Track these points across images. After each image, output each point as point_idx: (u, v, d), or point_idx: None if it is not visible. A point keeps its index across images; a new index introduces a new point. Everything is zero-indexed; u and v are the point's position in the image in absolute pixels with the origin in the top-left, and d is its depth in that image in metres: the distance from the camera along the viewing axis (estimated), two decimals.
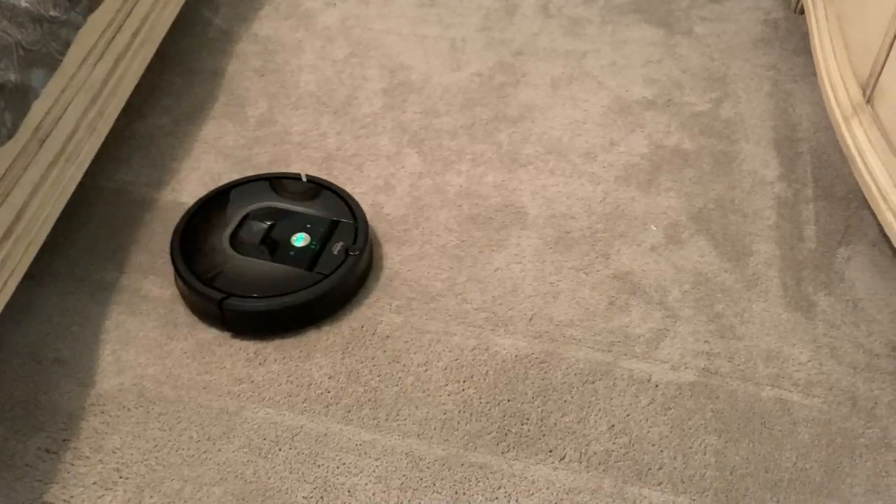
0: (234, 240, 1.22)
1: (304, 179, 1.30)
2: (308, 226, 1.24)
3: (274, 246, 1.21)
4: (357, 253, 1.20)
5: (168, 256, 1.26)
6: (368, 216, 1.33)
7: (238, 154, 1.43)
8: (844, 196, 1.36)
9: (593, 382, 1.12)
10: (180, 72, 1.59)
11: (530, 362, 1.14)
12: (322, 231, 1.23)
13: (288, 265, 1.19)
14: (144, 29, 1.41)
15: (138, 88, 1.44)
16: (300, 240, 1.21)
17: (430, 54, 1.64)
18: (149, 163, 1.42)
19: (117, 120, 1.34)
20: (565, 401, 1.10)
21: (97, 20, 1.24)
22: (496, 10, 1.75)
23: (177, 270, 1.19)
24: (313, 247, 1.21)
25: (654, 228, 1.30)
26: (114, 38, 1.32)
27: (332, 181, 1.34)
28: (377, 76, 1.59)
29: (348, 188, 1.37)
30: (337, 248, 1.20)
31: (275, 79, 1.58)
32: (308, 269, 1.19)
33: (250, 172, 1.40)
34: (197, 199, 1.30)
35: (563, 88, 1.57)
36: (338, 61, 1.63)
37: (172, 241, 1.23)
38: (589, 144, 1.46)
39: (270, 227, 1.23)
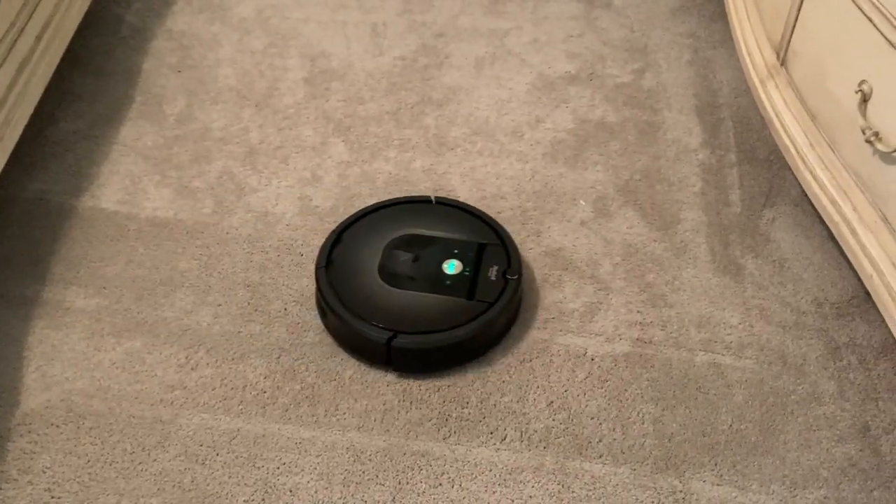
0: (383, 272, 1.15)
1: (434, 202, 1.23)
2: (455, 251, 1.16)
3: (427, 276, 1.14)
4: (516, 276, 1.13)
5: (90, 265, 1.22)
6: (296, 210, 1.31)
7: (158, 154, 1.39)
8: (766, 158, 1.39)
9: (530, 360, 1.12)
10: (93, 73, 1.54)
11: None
12: (471, 256, 1.16)
13: (447, 295, 1.12)
14: (49, 31, 1.36)
15: (48, 93, 1.39)
16: (452, 267, 1.14)
17: (351, 40, 1.62)
18: (65, 170, 1.37)
19: (28, 127, 1.29)
20: (504, 381, 1.10)
21: None
22: None
23: (329, 308, 1.10)
24: (467, 273, 1.14)
25: (583, 203, 1.31)
26: (15, 42, 1.26)
27: (459, 201, 1.27)
28: (298, 66, 1.56)
29: (273, 182, 1.35)
30: (493, 272, 1.13)
31: (192, 74, 1.54)
32: (468, 297, 1.12)
33: (172, 173, 1.36)
34: (329, 232, 1.21)
35: (486, 68, 1.56)
36: (256, 53, 1.59)
37: (318, 277, 1.14)
38: (515, 123, 1.45)
39: (417, 255, 1.16)
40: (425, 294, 1.13)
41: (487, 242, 1.19)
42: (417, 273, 1.15)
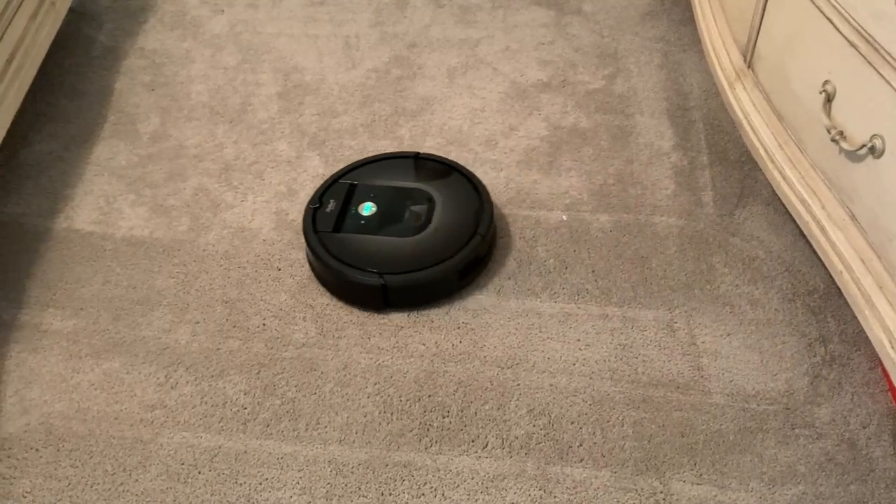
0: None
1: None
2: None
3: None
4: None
5: (67, 287, 1.22)
6: (273, 224, 1.31)
7: (132, 174, 1.39)
8: (738, 159, 1.41)
9: (511, 367, 1.13)
10: (66, 94, 1.54)
11: (449, 355, 1.15)
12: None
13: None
14: (20, 53, 1.36)
15: (21, 115, 1.39)
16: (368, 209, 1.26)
17: (323, 54, 1.62)
18: (39, 191, 1.36)
19: (1, 149, 1.29)
20: (485, 389, 1.11)
21: None
22: (387, 4, 1.74)
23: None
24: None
25: (565, 218, 1.32)
26: None
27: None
28: (271, 80, 1.57)
29: (249, 197, 1.35)
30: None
31: (165, 92, 1.54)
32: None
33: (147, 192, 1.36)
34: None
35: (459, 78, 1.57)
36: (229, 68, 1.59)
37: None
38: (489, 132, 1.46)
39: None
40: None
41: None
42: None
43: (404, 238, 1.21)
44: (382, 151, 1.40)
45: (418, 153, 1.34)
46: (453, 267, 1.18)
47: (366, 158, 1.34)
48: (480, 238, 1.19)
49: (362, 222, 1.23)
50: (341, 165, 1.41)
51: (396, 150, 1.40)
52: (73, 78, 1.57)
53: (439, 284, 1.18)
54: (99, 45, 1.65)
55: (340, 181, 1.29)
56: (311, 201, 1.25)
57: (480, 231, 1.20)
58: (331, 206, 1.24)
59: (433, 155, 1.34)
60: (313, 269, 1.23)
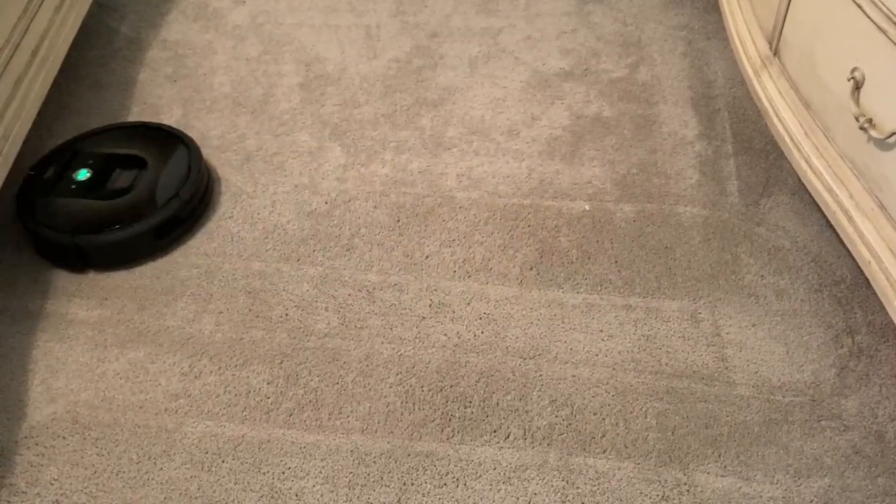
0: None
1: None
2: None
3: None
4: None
5: (92, 277, 1.23)
6: (294, 215, 1.32)
7: None
8: (763, 148, 1.39)
9: (533, 358, 1.13)
10: (89, 85, 1.55)
11: (470, 346, 1.14)
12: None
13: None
14: (45, 46, 1.37)
15: (46, 106, 1.40)
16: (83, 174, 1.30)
17: (344, 44, 1.62)
18: None
19: (26, 140, 1.30)
20: (507, 380, 1.11)
21: None
22: None
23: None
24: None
25: (587, 208, 1.31)
26: (11, 58, 1.27)
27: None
28: (293, 71, 1.57)
29: (270, 188, 1.35)
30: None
31: (188, 83, 1.55)
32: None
33: None
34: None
35: (480, 67, 1.56)
36: (251, 59, 1.60)
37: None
38: (511, 121, 1.46)
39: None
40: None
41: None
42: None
43: (108, 201, 1.26)
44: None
45: (146, 122, 1.40)
46: (148, 227, 1.23)
47: (99, 127, 1.40)
48: (179, 200, 1.25)
49: (73, 187, 1.27)
50: (363, 156, 1.41)
51: (126, 121, 1.46)
52: (96, 70, 1.58)
53: (134, 243, 1.24)
54: (122, 37, 1.65)
55: (64, 148, 1.34)
56: (31, 167, 1.29)
57: (181, 194, 1.26)
58: (49, 172, 1.29)
59: (161, 124, 1.40)
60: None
